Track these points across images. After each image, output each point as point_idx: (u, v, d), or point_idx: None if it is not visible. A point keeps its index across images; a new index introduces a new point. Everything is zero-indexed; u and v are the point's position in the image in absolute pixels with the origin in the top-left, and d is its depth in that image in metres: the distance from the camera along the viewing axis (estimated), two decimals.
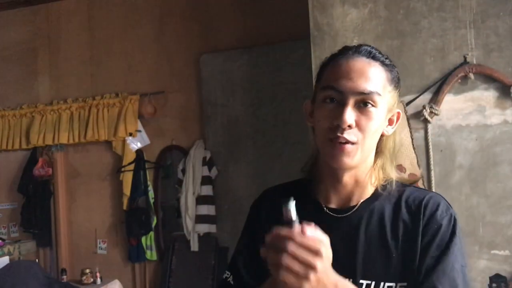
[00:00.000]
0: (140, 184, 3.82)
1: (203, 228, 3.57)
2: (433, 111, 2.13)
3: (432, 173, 2.14)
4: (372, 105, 0.86)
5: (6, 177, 4.32)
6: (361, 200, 0.92)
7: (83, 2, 4.13)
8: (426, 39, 2.17)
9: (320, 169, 0.95)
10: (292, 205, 0.73)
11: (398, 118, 0.95)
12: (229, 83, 3.63)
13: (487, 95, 2.10)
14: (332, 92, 0.87)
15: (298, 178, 1.04)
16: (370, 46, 0.92)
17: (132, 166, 3.84)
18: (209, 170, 3.60)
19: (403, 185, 0.95)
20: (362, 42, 2.25)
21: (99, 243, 4.05)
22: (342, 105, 0.86)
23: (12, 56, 4.34)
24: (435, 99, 2.14)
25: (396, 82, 0.92)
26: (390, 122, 0.94)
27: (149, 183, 3.86)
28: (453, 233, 0.87)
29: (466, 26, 2.12)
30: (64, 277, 3.69)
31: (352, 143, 0.86)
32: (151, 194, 3.84)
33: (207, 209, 3.58)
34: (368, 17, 2.25)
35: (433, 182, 2.14)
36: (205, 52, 3.71)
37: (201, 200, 3.58)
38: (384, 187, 0.93)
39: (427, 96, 2.16)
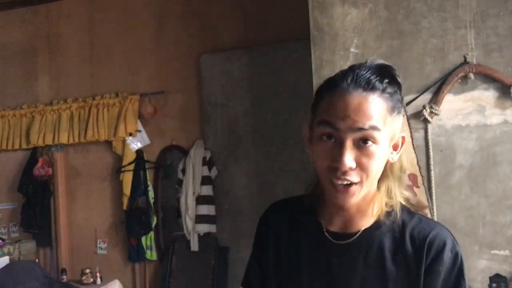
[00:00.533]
0: (140, 184, 3.82)
1: (203, 228, 3.57)
2: (433, 111, 2.13)
3: (432, 173, 2.14)
4: (373, 142, 0.81)
5: (6, 177, 4.33)
6: (363, 228, 0.89)
7: (83, 2, 4.14)
8: (426, 39, 2.17)
9: (322, 192, 0.92)
10: None
11: (403, 143, 0.90)
12: (229, 83, 3.63)
13: (487, 95, 2.10)
14: (329, 129, 0.82)
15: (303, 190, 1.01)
16: (368, 70, 0.84)
17: (132, 166, 3.84)
18: (209, 170, 3.60)
19: (408, 213, 0.91)
20: (362, 42, 2.26)
21: (99, 243, 4.05)
22: (340, 144, 0.81)
23: (12, 56, 4.34)
24: (435, 99, 2.14)
25: (399, 106, 0.86)
26: (395, 147, 0.89)
27: (149, 183, 3.86)
28: (460, 275, 0.85)
29: (466, 26, 2.12)
30: (64, 277, 3.69)
31: (356, 183, 0.83)
32: (151, 194, 3.84)
33: (207, 209, 3.57)
34: (368, 17, 2.25)
35: (433, 182, 2.14)
36: (205, 52, 3.71)
37: (201, 200, 3.58)
38: (388, 214, 0.89)
39: (427, 96, 2.16)
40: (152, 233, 3.82)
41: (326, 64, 2.28)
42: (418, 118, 2.16)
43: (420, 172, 2.13)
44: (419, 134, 2.17)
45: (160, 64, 3.89)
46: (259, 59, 3.54)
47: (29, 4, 4.24)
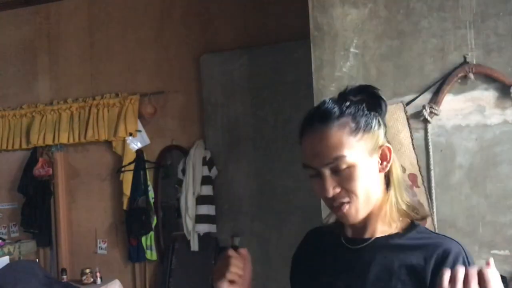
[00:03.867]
0: (140, 184, 3.82)
1: (203, 228, 3.57)
2: (433, 111, 2.13)
3: (432, 173, 2.14)
4: (346, 167, 0.89)
5: (6, 177, 4.33)
6: (375, 236, 0.95)
7: (83, 2, 4.14)
8: (426, 39, 2.17)
9: None
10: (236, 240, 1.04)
11: (390, 152, 0.94)
12: (229, 83, 3.63)
13: (487, 95, 2.10)
14: (310, 170, 0.93)
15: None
16: (329, 100, 0.94)
17: (132, 166, 3.84)
18: (209, 170, 3.60)
19: (418, 227, 0.95)
20: (362, 42, 2.26)
21: (99, 243, 4.05)
22: (322, 178, 0.91)
23: (12, 56, 4.34)
24: (435, 99, 2.14)
25: (369, 122, 0.92)
26: (384, 158, 0.94)
27: (149, 183, 3.86)
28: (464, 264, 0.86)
29: (466, 26, 2.12)
30: (64, 277, 3.69)
31: (347, 203, 0.91)
32: (151, 194, 3.84)
33: (207, 209, 3.57)
34: (368, 17, 2.25)
35: (433, 182, 2.14)
36: (205, 52, 3.71)
37: (201, 200, 3.58)
38: (402, 228, 0.95)
39: (427, 96, 2.16)
40: (152, 233, 3.82)
41: (326, 64, 2.28)
42: (418, 118, 2.16)
43: (420, 172, 2.13)
44: (419, 134, 2.17)
45: (160, 64, 3.89)
46: (259, 59, 3.54)
47: (29, 4, 4.24)
